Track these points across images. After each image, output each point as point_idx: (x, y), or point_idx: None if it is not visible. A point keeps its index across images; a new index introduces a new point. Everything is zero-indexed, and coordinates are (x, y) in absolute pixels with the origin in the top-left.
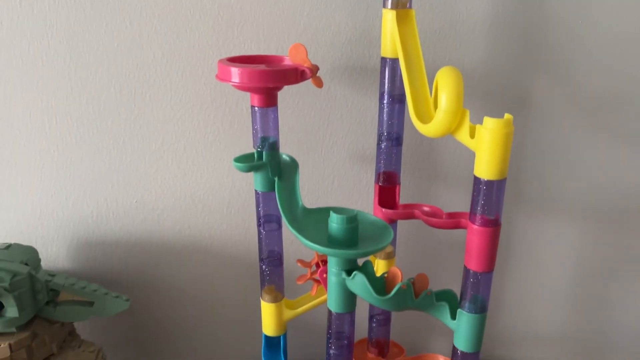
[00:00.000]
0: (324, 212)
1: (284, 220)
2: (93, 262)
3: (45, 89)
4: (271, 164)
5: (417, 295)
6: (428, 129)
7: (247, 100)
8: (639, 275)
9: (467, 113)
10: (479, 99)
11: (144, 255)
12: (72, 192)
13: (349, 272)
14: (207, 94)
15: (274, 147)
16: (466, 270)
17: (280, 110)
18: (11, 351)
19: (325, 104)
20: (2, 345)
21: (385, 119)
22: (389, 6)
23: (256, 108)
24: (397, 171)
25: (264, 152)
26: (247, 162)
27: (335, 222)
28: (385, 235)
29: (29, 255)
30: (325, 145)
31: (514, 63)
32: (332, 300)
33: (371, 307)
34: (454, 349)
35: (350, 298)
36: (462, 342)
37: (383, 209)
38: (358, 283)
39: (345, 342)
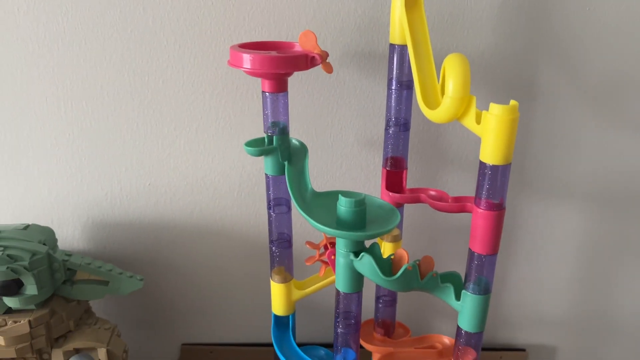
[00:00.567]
0: (332, 196)
1: (293, 203)
2: (107, 243)
3: (61, 74)
4: (281, 148)
5: (422, 276)
6: (435, 115)
7: (258, 86)
8: None
9: (474, 99)
10: (485, 85)
11: (157, 236)
12: (86, 175)
13: (356, 254)
14: (218, 80)
15: (284, 132)
16: (471, 253)
17: (290, 95)
18: (31, 327)
19: (334, 89)
20: (22, 322)
21: (393, 104)
22: None
23: (267, 93)
24: (404, 156)
25: (274, 137)
26: (258, 147)
27: (343, 205)
28: (392, 218)
29: (47, 236)
30: (333, 130)
31: (521, 50)
32: (340, 280)
33: (377, 288)
34: (458, 329)
35: (357, 279)
36: (466, 323)
37: (390, 193)
38: (365, 264)
39: (353, 321)
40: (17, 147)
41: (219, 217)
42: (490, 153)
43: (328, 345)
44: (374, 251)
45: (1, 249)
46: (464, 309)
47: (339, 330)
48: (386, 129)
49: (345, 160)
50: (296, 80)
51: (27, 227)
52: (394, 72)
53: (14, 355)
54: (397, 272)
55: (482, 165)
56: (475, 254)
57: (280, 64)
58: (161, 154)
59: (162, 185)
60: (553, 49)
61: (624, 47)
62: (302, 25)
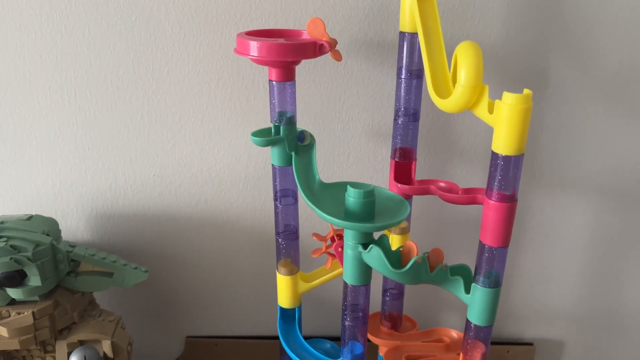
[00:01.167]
0: (340, 187)
1: (301, 194)
2: (111, 234)
3: (64, 63)
4: (288, 139)
5: (432, 269)
6: (446, 104)
7: (265, 75)
8: None
9: (486, 88)
10: (495, 76)
11: (161, 228)
12: (90, 166)
13: (365, 246)
14: (224, 69)
15: (291, 122)
16: (481, 245)
17: (297, 85)
18: (34, 319)
19: (342, 79)
20: (25, 313)
21: (402, 94)
22: None
23: (274, 82)
24: (413, 147)
25: (281, 127)
26: (265, 137)
27: (352, 196)
28: (401, 210)
29: (50, 226)
30: (341, 120)
31: (533, 39)
32: (347, 273)
33: (385, 281)
34: (467, 322)
35: (365, 271)
36: (476, 316)
37: (399, 185)
38: (374, 256)
39: (360, 314)
40: (20, 138)
41: (224, 208)
42: (503, 143)
43: (334, 339)
44: (382, 243)
45: (4, 239)
46: (474, 302)
47: (347, 323)
48: (395, 119)
49: (352, 152)
50: (303, 70)
51: (30, 217)
52: (404, 61)
53: (17, 347)
54: (405, 264)
55: (494, 155)
56: (486, 246)
57: (288, 51)
58: (166, 145)
59: (167, 176)
60: (565, 40)
61: (637, 38)
62: (310, 13)
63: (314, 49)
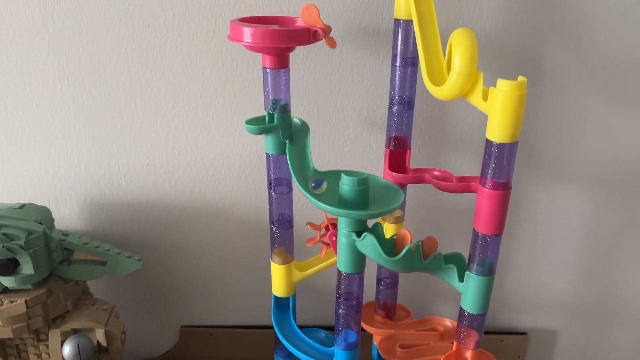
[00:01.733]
0: (334, 175)
1: (295, 182)
2: (105, 223)
3: (57, 50)
4: (282, 127)
5: (425, 257)
6: (441, 92)
7: (258, 63)
8: None
9: (481, 75)
10: (491, 62)
11: (155, 217)
12: (84, 154)
13: (359, 234)
14: (218, 56)
15: (285, 110)
16: (475, 233)
17: (291, 73)
18: (27, 307)
19: (336, 67)
20: (18, 301)
21: (397, 82)
22: None
23: (268, 69)
24: (407, 136)
25: (275, 115)
26: (259, 125)
27: (346, 184)
28: (395, 198)
29: (43, 215)
30: (336, 109)
31: (529, 27)
32: (341, 261)
33: (379, 270)
34: (461, 310)
35: (359, 259)
36: (470, 304)
37: (393, 173)
38: (368, 244)
39: (354, 302)
40: (12, 126)
41: (218, 197)
42: (497, 130)
43: (328, 328)
44: (376, 231)
45: None
46: (468, 291)
47: (340, 311)
48: (390, 108)
49: (347, 140)
50: (297, 58)
51: (23, 206)
52: (399, 48)
53: (10, 336)
54: (399, 252)
55: (489, 143)
56: (480, 234)
57: (282, 37)
58: (160, 133)
59: (161, 165)
60: (560, 28)
61: (633, 27)
62: (304, 0)
63: (308, 36)
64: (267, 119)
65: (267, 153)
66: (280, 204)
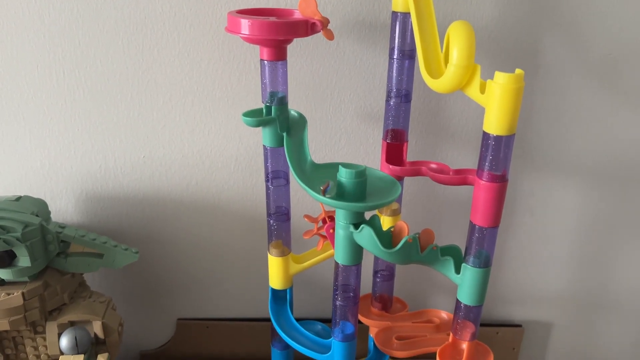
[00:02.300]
0: (332, 167)
1: (292, 174)
2: (101, 216)
3: (52, 42)
4: (280, 119)
5: (422, 249)
6: (438, 84)
7: (256, 55)
8: None
9: (478, 68)
10: (488, 55)
11: (152, 210)
12: (80, 147)
13: (356, 226)
14: (215, 49)
15: (282, 102)
16: (472, 226)
17: (289, 66)
18: (24, 299)
19: (334, 59)
20: (15, 294)
21: (394, 74)
22: None
23: (265, 62)
24: (405, 128)
25: (272, 107)
26: (256, 117)
27: (344, 176)
28: (393, 190)
29: (40, 207)
30: (333, 101)
31: (526, 20)
32: (339, 253)
33: (376, 263)
34: (457, 302)
35: (357, 251)
36: (466, 296)
37: (390, 166)
38: (365, 236)
39: (351, 294)
40: (8, 118)
41: (215, 190)
42: (494, 123)
43: (325, 321)
44: (374, 223)
45: None
46: (464, 282)
47: (338, 303)
48: (387, 101)
49: (344, 133)
50: (295, 50)
51: (19, 198)
52: (396, 41)
53: (7, 328)
54: (396, 244)
55: (486, 135)
56: (477, 226)
57: (279, 29)
58: (156, 126)
59: (158, 157)
60: (557, 21)
61: (628, 21)
62: None
63: (306, 28)
64: (264, 111)
65: (264, 145)
66: (278, 196)
